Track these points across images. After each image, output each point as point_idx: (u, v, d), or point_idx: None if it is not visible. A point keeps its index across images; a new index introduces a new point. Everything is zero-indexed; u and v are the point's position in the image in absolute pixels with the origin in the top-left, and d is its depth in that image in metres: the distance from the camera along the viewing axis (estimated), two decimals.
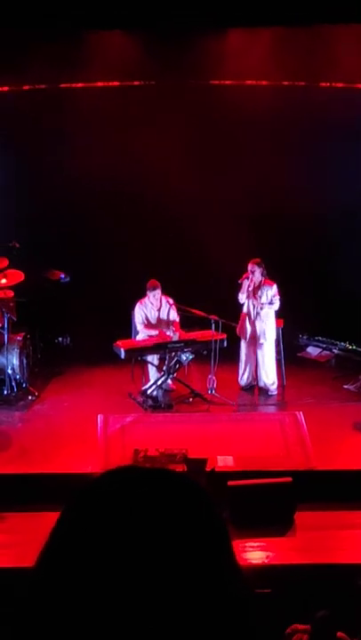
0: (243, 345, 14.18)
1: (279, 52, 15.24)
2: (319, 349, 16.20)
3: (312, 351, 16.22)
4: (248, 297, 13.90)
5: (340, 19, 13.95)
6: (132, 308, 14.19)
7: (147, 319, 14.13)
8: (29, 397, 14.02)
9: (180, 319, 14.14)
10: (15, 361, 13.91)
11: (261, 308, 13.91)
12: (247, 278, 13.82)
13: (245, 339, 14.09)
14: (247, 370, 14.31)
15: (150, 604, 1.36)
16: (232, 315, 13.87)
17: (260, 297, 13.90)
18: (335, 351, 16.04)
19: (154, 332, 14.02)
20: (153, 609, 1.36)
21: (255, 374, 14.31)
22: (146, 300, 14.10)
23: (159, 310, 14.14)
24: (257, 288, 13.88)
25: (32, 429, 13.17)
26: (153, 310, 14.14)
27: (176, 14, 13.46)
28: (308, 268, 15.90)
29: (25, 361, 14.23)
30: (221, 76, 15.90)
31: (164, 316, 14.15)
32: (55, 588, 1.41)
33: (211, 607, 1.40)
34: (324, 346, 16.18)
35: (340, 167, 15.91)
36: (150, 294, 14.02)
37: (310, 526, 10.66)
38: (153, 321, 14.14)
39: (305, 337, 16.37)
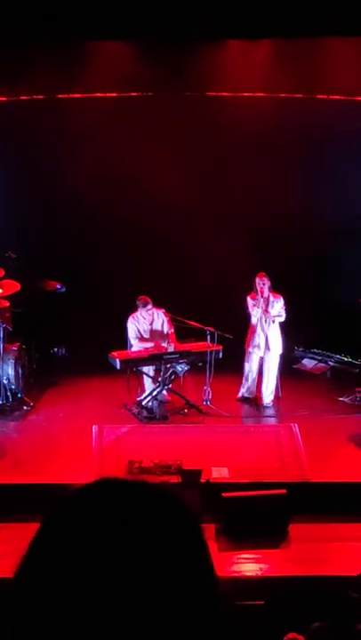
0: (253, 358, 14.16)
1: (277, 64, 15.28)
2: (315, 361, 16.20)
3: (308, 363, 16.23)
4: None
5: (337, 31, 14.00)
6: (125, 322, 14.19)
7: (140, 333, 14.12)
8: (24, 407, 14.01)
9: (176, 330, 14.13)
10: (10, 371, 13.90)
11: (273, 321, 13.95)
12: (256, 292, 13.87)
13: (257, 351, 14.08)
14: (252, 382, 14.30)
15: (126, 614, 1.38)
16: (227, 326, 13.86)
17: (271, 309, 13.94)
18: (331, 363, 16.05)
19: (149, 345, 14.02)
20: (129, 619, 1.38)
21: (257, 387, 14.33)
22: (137, 314, 14.11)
23: (152, 323, 14.14)
24: (266, 301, 13.92)
25: (27, 440, 13.16)
26: (145, 324, 14.14)
27: (174, 26, 13.51)
28: (304, 281, 15.90)
29: (20, 371, 14.22)
30: (219, 88, 15.93)
31: (157, 327, 14.15)
32: (32, 598, 1.43)
33: (184, 619, 1.41)
34: (320, 358, 16.19)
35: (337, 180, 15.95)
36: (141, 310, 14.03)
37: (304, 538, 10.66)
38: (146, 334, 14.14)
39: (301, 349, 16.38)
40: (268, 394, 14.24)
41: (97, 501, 1.50)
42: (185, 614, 1.41)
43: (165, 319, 14.12)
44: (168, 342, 14.03)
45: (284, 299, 13.99)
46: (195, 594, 1.44)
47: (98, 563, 1.41)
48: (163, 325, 14.15)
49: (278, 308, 13.95)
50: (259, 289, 13.86)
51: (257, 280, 13.87)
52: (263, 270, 13.97)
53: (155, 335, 14.12)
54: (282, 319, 14.02)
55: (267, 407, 14.25)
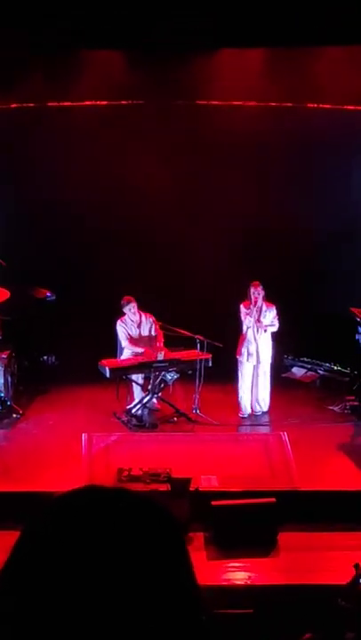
0: (246, 366, 14.14)
1: (267, 72, 15.32)
2: (304, 370, 16.20)
3: (297, 372, 16.22)
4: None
5: (328, 40, 14.05)
6: (114, 328, 14.18)
7: (129, 335, 14.12)
8: (14, 415, 13.99)
9: (166, 338, 14.12)
10: (0, 379, 13.89)
11: (265, 330, 13.93)
12: (250, 300, 13.86)
13: (249, 360, 14.07)
14: (247, 393, 14.26)
15: (105, 621, 1.38)
16: (217, 335, 13.86)
17: (263, 319, 13.93)
18: (320, 372, 16.05)
19: (139, 350, 14.01)
20: (108, 626, 1.38)
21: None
22: (125, 317, 14.10)
23: (140, 326, 14.14)
24: (259, 310, 13.91)
25: (16, 448, 13.15)
26: (133, 327, 14.13)
27: (165, 35, 13.54)
28: (293, 289, 15.91)
29: (10, 379, 14.19)
30: (209, 97, 15.94)
31: (145, 332, 14.14)
32: (13, 601, 1.43)
33: (164, 627, 1.42)
34: (310, 366, 16.18)
35: (327, 189, 15.99)
36: (126, 310, 14.01)
37: (294, 547, 10.66)
38: (135, 337, 14.13)
39: (290, 357, 16.36)
40: (261, 399, 14.20)
41: (80, 507, 1.51)
42: (165, 622, 1.42)
43: (153, 324, 14.11)
44: (157, 346, 14.01)
45: (276, 308, 13.98)
46: (175, 602, 1.44)
47: (77, 568, 1.41)
48: (150, 330, 14.15)
49: (271, 317, 13.92)
50: (253, 298, 13.82)
51: (252, 289, 13.84)
52: (254, 278, 13.95)
53: (143, 339, 14.12)
54: (274, 329, 14.00)
55: (257, 415, 14.23)
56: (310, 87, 15.48)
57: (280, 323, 14.05)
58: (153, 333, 14.15)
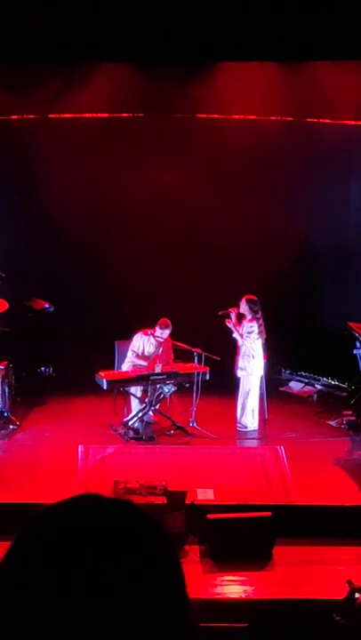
0: (258, 382, 14.16)
1: (268, 87, 15.36)
2: (302, 384, 16.19)
3: (294, 386, 16.22)
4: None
5: (328, 55, 14.09)
6: (132, 334, 14.18)
7: (143, 351, 14.11)
8: (11, 427, 13.97)
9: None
10: None
11: (242, 339, 13.89)
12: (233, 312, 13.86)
13: (239, 372, 14.05)
14: (241, 408, 14.21)
15: (94, 629, 1.39)
16: (215, 349, 13.86)
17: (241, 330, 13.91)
18: (318, 386, 16.05)
19: (143, 364, 14.01)
20: (97, 634, 1.39)
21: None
22: (149, 333, 14.04)
23: (157, 349, 14.10)
24: (239, 323, 13.90)
25: (12, 459, 13.13)
26: (152, 346, 14.10)
27: (166, 48, 13.57)
28: (291, 303, 15.94)
29: (7, 390, 14.17)
30: (209, 110, 15.98)
31: (160, 355, 14.11)
32: (2, 611, 1.44)
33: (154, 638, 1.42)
34: (307, 381, 16.18)
35: (325, 204, 16.03)
36: (159, 331, 13.93)
37: (289, 561, 10.65)
38: (148, 354, 14.12)
39: (288, 371, 16.37)
40: (243, 417, 14.10)
41: (74, 514, 1.52)
42: (154, 634, 1.42)
43: (169, 350, 14.12)
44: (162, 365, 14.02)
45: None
46: (165, 614, 1.45)
47: (67, 574, 1.42)
48: (166, 355, 14.13)
49: (244, 330, 13.85)
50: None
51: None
52: (249, 291, 13.92)
53: (152, 357, 14.09)
54: (238, 339, 13.88)
55: (240, 430, 14.10)
56: (310, 102, 15.52)
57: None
58: (166, 357, 14.13)
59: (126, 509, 1.55)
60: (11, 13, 12.74)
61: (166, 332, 13.93)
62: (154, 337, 14.02)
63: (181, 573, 1.52)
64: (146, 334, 14.08)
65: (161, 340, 14.01)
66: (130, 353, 14.16)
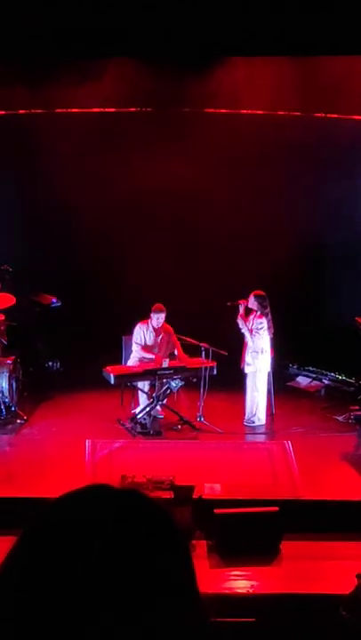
0: (265, 378, 14.16)
1: (277, 82, 15.33)
2: (309, 379, 16.20)
3: (302, 381, 16.22)
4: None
5: (337, 50, 14.05)
6: (133, 328, 14.19)
7: (145, 341, 14.14)
8: (18, 421, 13.99)
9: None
10: (4, 384, 13.89)
11: (250, 335, 13.88)
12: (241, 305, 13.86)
13: (246, 367, 14.06)
14: (250, 403, 14.23)
15: (105, 623, 1.38)
16: (222, 343, 13.86)
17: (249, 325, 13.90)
18: (325, 381, 16.06)
19: (149, 356, 14.01)
20: (108, 628, 1.38)
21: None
22: (148, 322, 14.10)
23: (158, 335, 14.13)
24: (247, 317, 13.90)
25: (20, 453, 13.14)
26: (152, 334, 14.12)
27: (174, 43, 13.54)
28: (299, 298, 15.93)
29: (14, 385, 14.19)
30: (218, 105, 15.96)
31: (161, 342, 14.13)
32: (8, 610, 1.43)
33: (165, 633, 1.41)
34: (314, 376, 16.19)
35: (335, 198, 15.99)
36: (154, 317, 13.99)
37: (296, 556, 10.63)
38: (150, 342, 14.13)
39: (295, 366, 16.38)
40: (251, 412, 14.13)
41: (82, 505, 1.51)
42: (167, 628, 1.41)
43: (172, 336, 14.11)
44: (177, 357, 14.03)
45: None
46: (176, 608, 1.44)
47: (77, 565, 1.41)
48: (168, 343, 14.14)
49: (252, 325, 13.85)
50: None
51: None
52: (257, 286, 13.93)
53: (156, 348, 14.11)
54: (247, 335, 13.88)
55: (247, 425, 14.12)
56: (320, 96, 15.49)
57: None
58: (170, 346, 14.13)
59: (136, 499, 1.54)
60: (18, 9, 12.72)
61: (161, 317, 13.98)
62: (151, 324, 14.05)
63: (192, 565, 1.52)
64: (144, 323, 14.11)
65: (157, 325, 14.02)
66: (134, 347, 14.18)
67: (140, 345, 14.14)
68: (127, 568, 1.42)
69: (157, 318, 14.01)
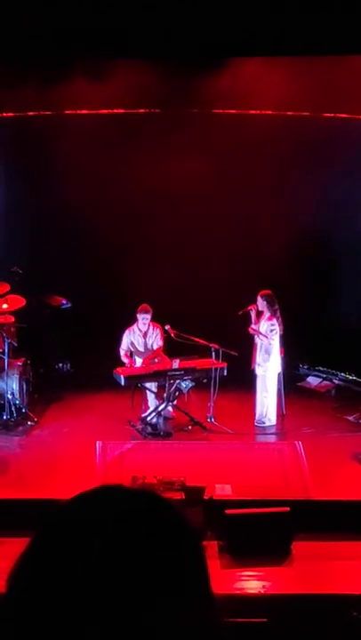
0: (275, 379, 14.16)
1: (284, 82, 15.30)
2: (319, 379, 16.19)
3: (312, 381, 16.22)
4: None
5: (346, 50, 14.03)
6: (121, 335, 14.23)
7: (132, 345, 14.14)
8: (28, 423, 14.01)
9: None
10: (15, 386, 13.91)
11: (259, 337, 13.89)
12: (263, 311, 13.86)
13: (256, 368, 14.06)
14: (260, 403, 14.23)
15: (117, 621, 1.38)
16: (231, 344, 13.85)
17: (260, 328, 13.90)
18: (335, 381, 16.04)
19: (127, 362, 14.05)
20: (120, 626, 1.38)
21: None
22: (134, 326, 14.12)
23: (145, 337, 14.13)
24: (258, 320, 13.89)
25: (30, 455, 13.16)
26: (140, 337, 14.13)
27: (182, 44, 13.53)
28: (309, 298, 15.91)
29: (25, 386, 14.22)
30: (226, 106, 15.95)
31: (150, 343, 14.14)
32: (22, 611, 1.43)
33: (177, 631, 1.41)
34: (325, 376, 16.18)
35: (343, 198, 15.96)
36: (140, 318, 14.02)
37: (307, 556, 10.62)
38: (140, 347, 14.13)
39: (305, 367, 16.37)
40: (261, 412, 14.13)
41: (96, 505, 1.51)
42: (180, 626, 1.41)
43: (159, 334, 14.11)
44: (156, 358, 14.04)
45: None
46: (190, 605, 1.44)
47: (91, 564, 1.41)
48: (154, 343, 14.14)
49: (265, 329, 13.84)
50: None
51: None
52: (266, 286, 13.92)
53: (147, 350, 14.12)
54: (265, 340, 13.87)
55: (258, 426, 14.12)
56: (328, 96, 15.46)
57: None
58: (155, 346, 14.14)
59: (150, 500, 1.54)
60: (26, 11, 12.73)
61: (147, 317, 13.99)
62: (137, 327, 14.08)
63: (205, 565, 1.52)
64: (130, 330, 14.16)
65: (143, 326, 14.08)
66: (121, 351, 14.18)
67: (124, 351, 14.15)
68: (127, 568, 1.42)
69: (143, 319, 14.03)
